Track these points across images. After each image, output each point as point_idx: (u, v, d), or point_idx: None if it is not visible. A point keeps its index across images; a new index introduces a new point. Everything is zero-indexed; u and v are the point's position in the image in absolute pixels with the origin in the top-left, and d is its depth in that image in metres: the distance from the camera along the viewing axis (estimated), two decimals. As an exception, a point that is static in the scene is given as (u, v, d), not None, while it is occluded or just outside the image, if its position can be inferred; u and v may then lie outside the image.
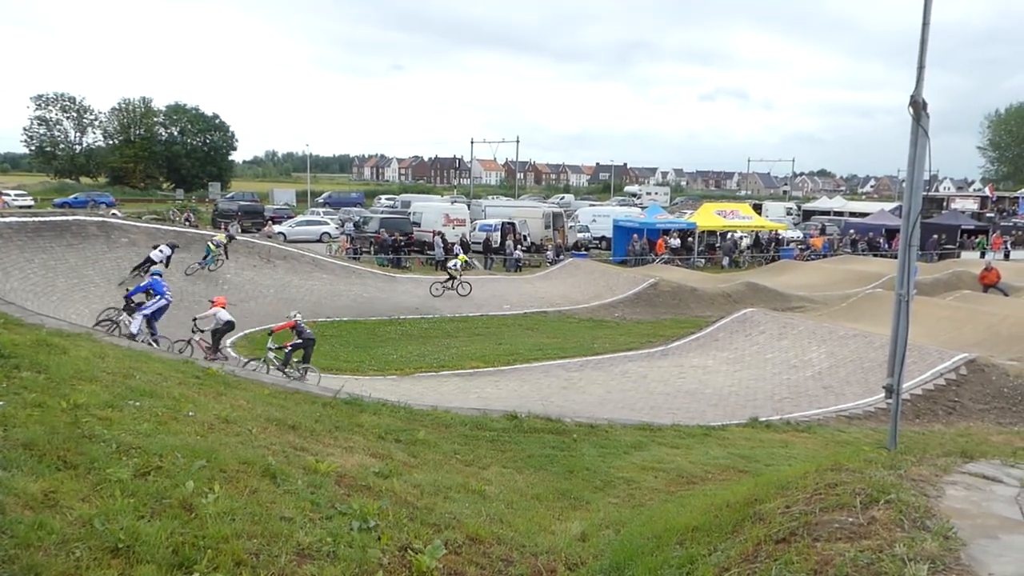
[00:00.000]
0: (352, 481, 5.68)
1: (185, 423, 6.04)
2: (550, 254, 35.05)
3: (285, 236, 37.71)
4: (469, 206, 43.12)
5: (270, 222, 40.58)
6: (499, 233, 36.33)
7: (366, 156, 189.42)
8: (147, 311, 13.89)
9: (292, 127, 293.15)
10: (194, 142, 75.40)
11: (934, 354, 15.15)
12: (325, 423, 7.54)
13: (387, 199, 61.33)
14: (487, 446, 8.49)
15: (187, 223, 33.29)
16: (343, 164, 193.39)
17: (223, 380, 8.59)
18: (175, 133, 75.44)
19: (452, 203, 45.59)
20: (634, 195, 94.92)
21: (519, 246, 34.95)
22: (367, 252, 32.10)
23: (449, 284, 24.94)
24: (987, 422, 13.35)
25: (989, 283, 28.34)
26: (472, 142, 68.91)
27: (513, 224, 37.29)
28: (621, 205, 63.61)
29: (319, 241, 38.24)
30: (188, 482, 4.71)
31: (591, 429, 9.82)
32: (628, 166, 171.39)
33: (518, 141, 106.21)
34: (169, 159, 74.04)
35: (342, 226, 40.62)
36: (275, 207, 52.01)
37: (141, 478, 4.71)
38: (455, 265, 25.31)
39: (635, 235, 36.78)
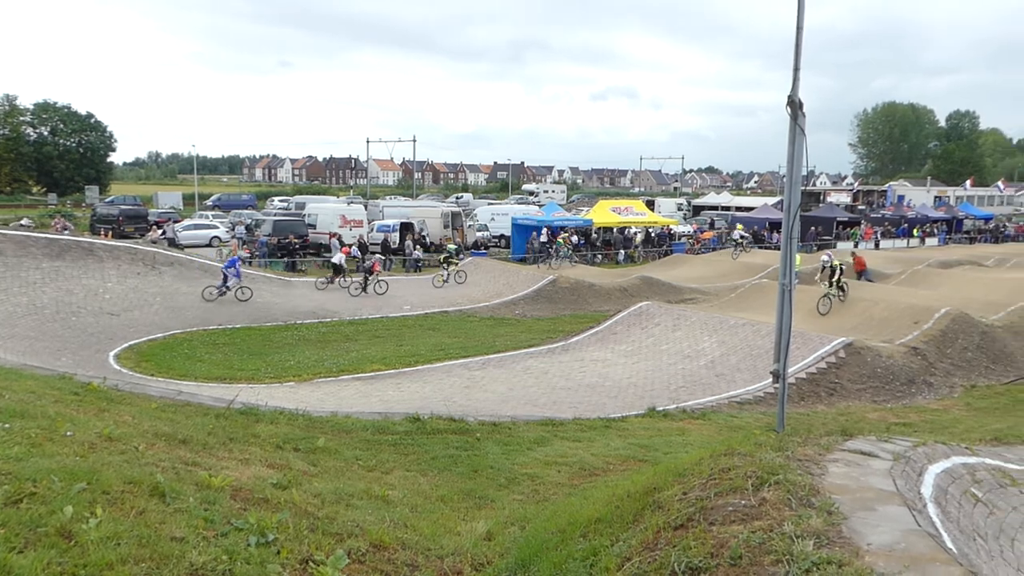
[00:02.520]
0: (249, 494, 5.47)
1: (62, 444, 5.67)
2: (449, 254, 34.88)
3: (172, 241, 36.06)
4: (366, 207, 42.39)
5: (155, 227, 38.67)
6: (397, 233, 35.96)
7: (257, 157, 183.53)
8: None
9: (176, 127, 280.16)
10: (67, 143, 70.84)
11: (815, 340, 16.01)
12: (219, 435, 7.24)
13: (280, 201, 59.58)
14: (389, 450, 8.36)
15: (64, 230, 31.31)
16: (233, 165, 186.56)
17: (105, 395, 8.12)
18: (45, 133, 70.69)
19: (349, 204, 44.66)
20: (532, 193, 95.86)
21: (418, 246, 34.68)
22: (260, 256, 31.11)
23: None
24: (864, 401, 14.25)
25: (861, 269, 30.31)
26: (368, 141, 67.79)
27: (412, 224, 36.97)
28: (519, 203, 64.20)
29: (209, 246, 36.81)
30: (66, 507, 4.42)
31: (494, 427, 9.84)
32: (525, 164, 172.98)
33: (415, 140, 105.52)
34: (39, 161, 69.28)
35: (233, 229, 39.24)
36: (160, 211, 49.69)
37: (12, 506, 4.40)
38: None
39: (534, 232, 37.16)
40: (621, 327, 19.45)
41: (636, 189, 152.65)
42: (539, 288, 26.12)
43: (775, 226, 45.40)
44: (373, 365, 16.22)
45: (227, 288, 22.03)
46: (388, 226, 36.27)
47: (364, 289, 24.63)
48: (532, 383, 14.90)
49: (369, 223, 37.34)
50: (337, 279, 25.10)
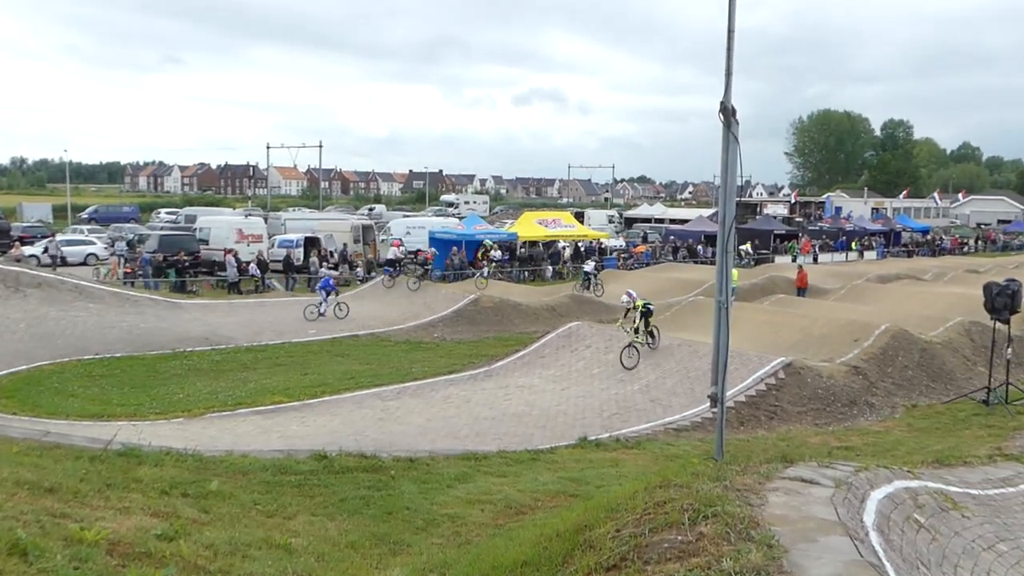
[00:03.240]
0: (128, 548, 5.26)
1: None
2: (360, 271, 34.59)
3: (57, 259, 34.65)
4: (266, 220, 41.67)
5: (18, 243, 36.96)
6: (302, 249, 35.39)
7: (141, 164, 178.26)
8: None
9: (45, 129, 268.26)
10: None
11: (754, 360, 16.50)
12: (93, 481, 6.94)
13: (168, 213, 57.97)
14: (292, 492, 8.18)
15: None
16: (112, 173, 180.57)
17: (-46, 439, 7.65)
18: None
19: (246, 217, 43.91)
20: (451, 204, 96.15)
21: (325, 263, 34.19)
22: (143, 276, 30.11)
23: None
24: (805, 424, 14.74)
25: (802, 286, 31.54)
26: (268, 147, 66.79)
27: (318, 239, 36.47)
28: (438, 215, 64.31)
29: (84, 264, 35.46)
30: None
31: (411, 463, 9.73)
32: (444, 173, 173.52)
33: (321, 146, 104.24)
34: None
35: (112, 245, 37.94)
36: (25, 224, 47.59)
37: None
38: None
39: (454, 247, 37.19)
40: (549, 350, 19.60)
41: (564, 200, 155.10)
42: (460, 308, 26.13)
43: (710, 239, 46.74)
44: (274, 397, 15.87)
45: (325, 306, 24.80)
46: (291, 241, 35.69)
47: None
48: (453, 413, 14.84)
49: (269, 238, 36.70)
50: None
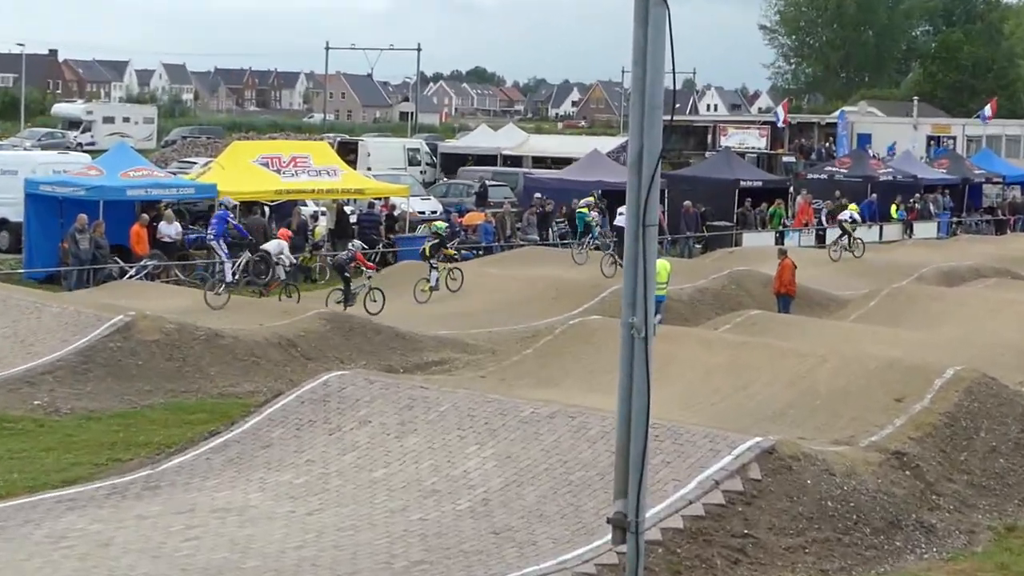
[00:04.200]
0: None
1: None
2: None
3: None
4: None
5: None
6: None
7: None
8: None
9: None
10: None
11: (701, 440, 16.90)
12: None
13: None
14: None
15: None
16: None
17: None
18: None
19: None
20: (77, 123, 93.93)
21: None
22: None
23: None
24: (802, 573, 15.16)
25: (785, 291, 32.86)
26: None
27: None
28: (45, 148, 62.54)
29: None
30: None
31: None
32: (64, 59, 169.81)
33: None
34: None
35: None
36: None
37: None
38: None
39: (82, 216, 36.27)
40: (282, 430, 19.63)
41: (315, 116, 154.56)
42: (92, 344, 25.65)
43: (615, 199, 47.84)
44: None
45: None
46: None
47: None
48: (69, 573, 14.33)
49: None
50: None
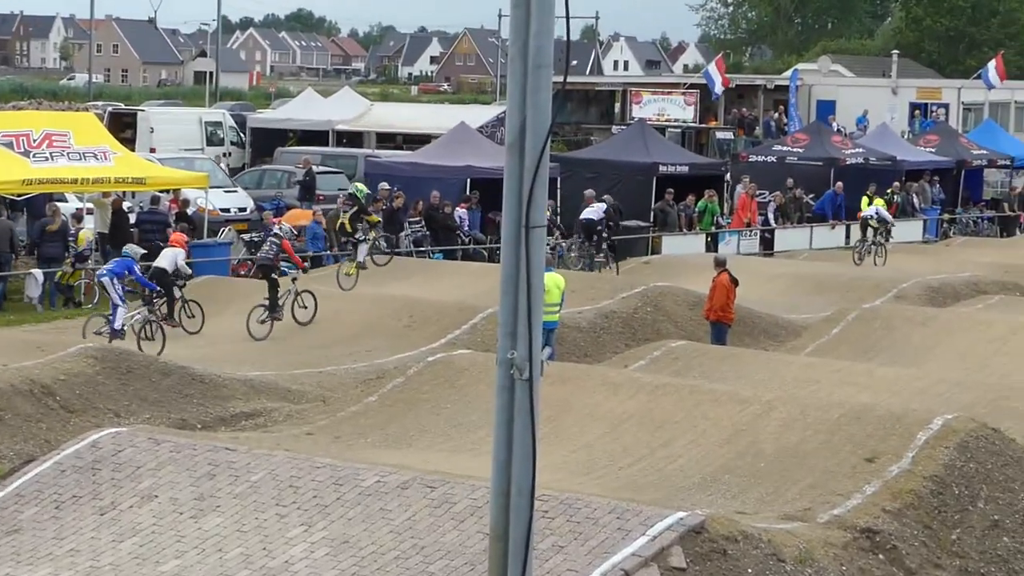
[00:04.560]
0: None
1: None
2: None
3: None
4: None
5: None
6: None
7: None
8: None
9: None
10: None
11: (606, 517, 17.08)
12: None
13: None
14: None
15: None
16: None
17: None
18: None
19: None
20: None
21: None
22: None
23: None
24: None
25: (718, 317, 33.03)
26: None
27: None
28: None
29: None
30: None
31: None
32: None
33: None
34: None
35: None
36: None
37: None
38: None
39: None
40: (37, 510, 19.40)
41: (76, 78, 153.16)
42: None
43: (488, 187, 48.02)
44: None
45: None
46: None
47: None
48: None
49: None
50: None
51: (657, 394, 23.50)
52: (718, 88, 79.73)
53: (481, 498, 16.69)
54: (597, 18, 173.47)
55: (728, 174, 61.08)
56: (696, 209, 54.24)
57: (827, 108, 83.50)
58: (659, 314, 35.37)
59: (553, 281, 28.95)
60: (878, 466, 19.62)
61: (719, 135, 80.00)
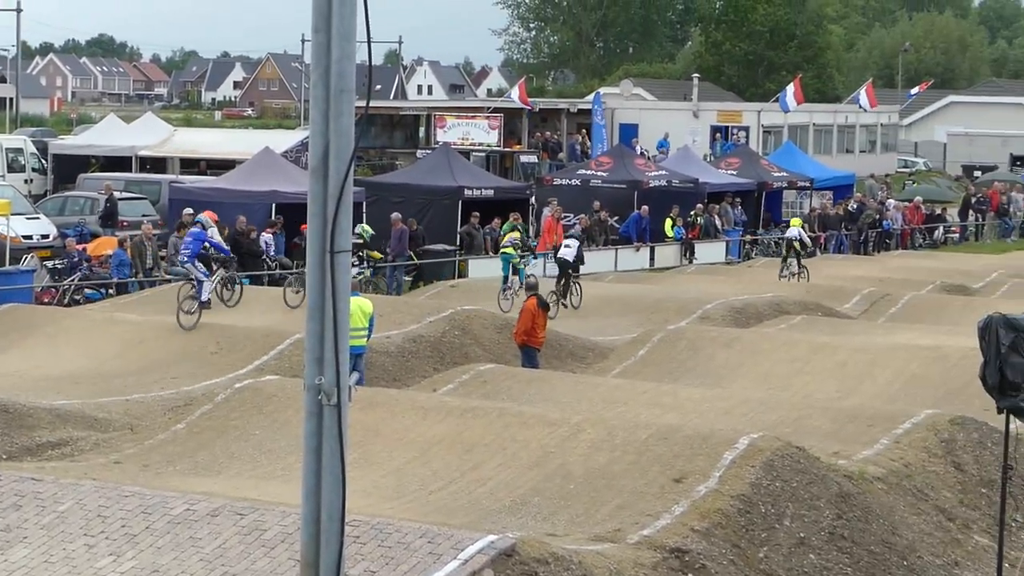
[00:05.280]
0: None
1: None
2: None
3: None
4: None
5: None
6: None
7: None
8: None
9: None
10: None
11: (417, 541, 17.01)
12: None
13: None
14: None
15: None
16: None
17: None
18: None
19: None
20: None
21: None
22: None
23: None
24: None
25: (523, 340, 33.03)
26: None
27: None
28: None
29: None
30: None
31: None
32: None
33: None
34: None
35: None
36: None
37: None
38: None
39: None
40: None
41: None
42: None
43: (292, 212, 47.89)
44: None
45: None
46: None
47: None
48: None
49: None
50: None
51: (466, 417, 23.55)
52: (521, 103, 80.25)
53: (292, 524, 16.58)
54: (400, 42, 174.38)
55: (533, 197, 61.30)
56: (501, 232, 54.27)
57: (630, 131, 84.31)
58: (467, 337, 35.37)
59: (360, 306, 28.77)
60: (686, 486, 19.78)
61: (523, 159, 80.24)
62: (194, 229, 39.99)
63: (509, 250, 47.14)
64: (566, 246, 47.36)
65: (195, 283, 38.01)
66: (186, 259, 39.01)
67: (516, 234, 49.18)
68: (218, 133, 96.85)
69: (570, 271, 46.08)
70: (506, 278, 45.87)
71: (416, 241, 51.03)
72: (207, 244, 39.21)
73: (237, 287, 41.00)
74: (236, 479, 21.56)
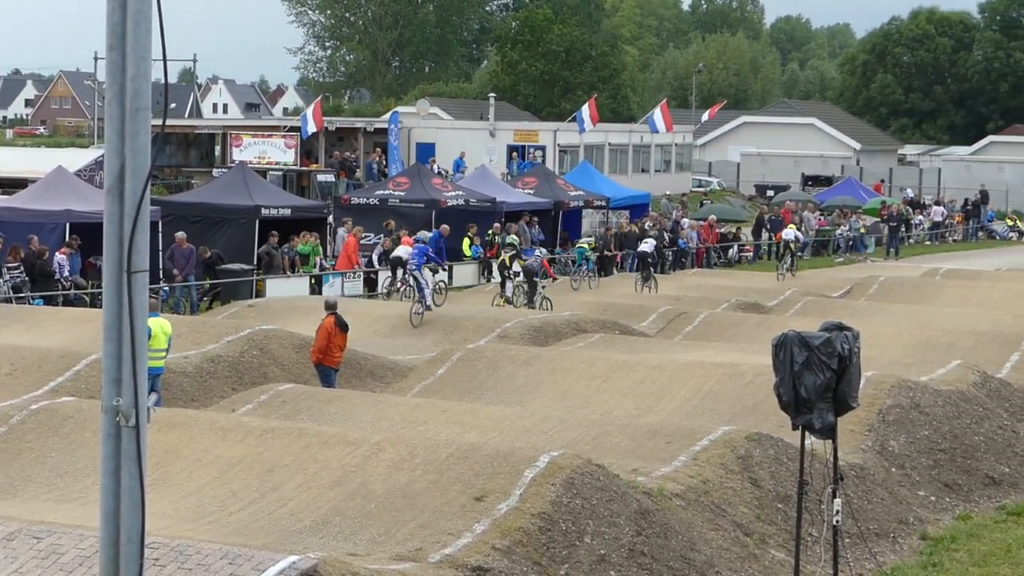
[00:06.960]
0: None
1: None
2: None
3: None
4: None
5: None
6: None
7: None
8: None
9: None
10: None
11: (218, 563, 17.00)
12: None
13: None
14: None
15: None
16: None
17: None
18: None
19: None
20: None
21: None
22: None
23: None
24: None
25: (318, 359, 32.89)
26: None
27: None
28: None
29: None
30: None
31: None
32: None
33: None
34: None
35: None
36: None
37: None
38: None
39: None
40: None
41: None
42: None
43: (94, 234, 47.35)
44: None
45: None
46: None
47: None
48: None
49: None
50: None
51: (266, 438, 23.44)
52: (311, 128, 79.84)
53: (90, 547, 16.40)
54: (195, 60, 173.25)
55: (331, 216, 61.19)
56: (298, 252, 54.20)
57: (427, 151, 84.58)
58: (265, 357, 35.09)
59: (159, 326, 28.49)
60: (487, 504, 19.83)
61: (320, 178, 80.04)
62: (420, 244, 47.09)
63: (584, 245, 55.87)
64: (645, 242, 57.86)
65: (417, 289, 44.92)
66: (415, 267, 45.80)
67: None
68: (9, 152, 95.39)
69: (649, 260, 56.60)
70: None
71: (212, 262, 50.58)
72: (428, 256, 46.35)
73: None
74: (32, 502, 21.19)
